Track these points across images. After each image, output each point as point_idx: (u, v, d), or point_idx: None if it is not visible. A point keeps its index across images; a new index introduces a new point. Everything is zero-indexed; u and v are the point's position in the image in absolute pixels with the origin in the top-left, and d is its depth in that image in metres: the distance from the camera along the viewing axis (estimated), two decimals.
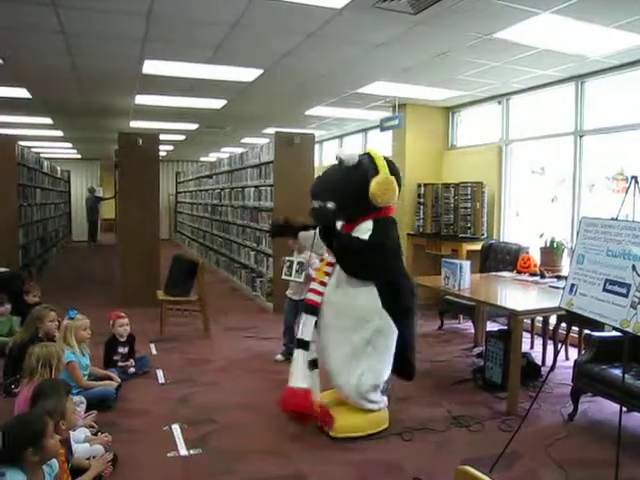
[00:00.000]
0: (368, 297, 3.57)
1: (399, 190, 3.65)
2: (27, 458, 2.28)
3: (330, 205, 3.52)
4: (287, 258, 4.87)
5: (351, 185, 3.57)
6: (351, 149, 3.73)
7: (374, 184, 3.51)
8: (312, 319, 3.66)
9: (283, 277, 4.85)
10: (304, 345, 3.64)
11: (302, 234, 4.61)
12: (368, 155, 3.69)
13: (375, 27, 4.53)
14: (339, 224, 3.73)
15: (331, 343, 3.65)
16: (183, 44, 5.14)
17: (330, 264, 3.72)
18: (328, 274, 3.71)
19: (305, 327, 3.67)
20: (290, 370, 3.65)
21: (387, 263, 3.64)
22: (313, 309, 3.68)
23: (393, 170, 3.66)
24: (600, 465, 3.18)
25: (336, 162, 3.68)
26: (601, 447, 3.44)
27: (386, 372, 3.68)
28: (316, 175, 4.98)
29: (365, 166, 3.61)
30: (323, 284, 3.70)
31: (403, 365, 3.77)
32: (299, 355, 3.64)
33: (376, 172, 3.57)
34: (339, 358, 3.61)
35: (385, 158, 3.71)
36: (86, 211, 16.80)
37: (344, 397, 3.69)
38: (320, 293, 3.68)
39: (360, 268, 3.60)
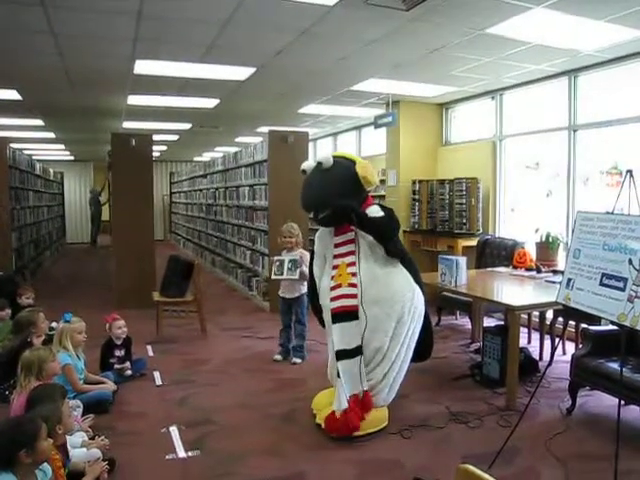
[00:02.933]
0: (403, 277, 3.70)
1: None
2: (20, 460, 2.27)
3: (328, 212, 3.65)
4: (276, 258, 4.87)
5: (342, 182, 3.67)
6: (325, 154, 3.88)
7: (360, 169, 3.67)
8: (355, 323, 3.58)
9: (273, 277, 4.83)
10: (353, 353, 3.57)
11: None
12: (336, 156, 3.85)
13: (367, 24, 4.52)
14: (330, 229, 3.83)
15: (379, 336, 3.60)
16: (175, 43, 5.11)
17: (351, 264, 3.65)
18: (354, 274, 3.62)
19: (350, 334, 3.57)
20: (342, 382, 3.56)
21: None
22: (352, 314, 3.59)
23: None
24: (599, 459, 3.18)
25: (306, 170, 3.83)
26: (600, 441, 3.44)
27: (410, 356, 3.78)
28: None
29: (342, 161, 3.77)
30: (353, 285, 3.60)
31: (426, 344, 3.95)
32: (349, 365, 3.57)
33: (353, 163, 3.74)
34: (392, 349, 3.63)
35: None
36: (90, 213, 16.80)
37: (375, 391, 3.65)
38: (353, 296, 3.58)
39: (399, 244, 3.78)
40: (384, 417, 3.67)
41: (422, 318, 3.79)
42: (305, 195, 3.83)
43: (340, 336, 3.60)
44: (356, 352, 3.57)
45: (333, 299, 3.66)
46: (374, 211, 3.74)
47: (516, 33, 4.69)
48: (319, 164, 3.72)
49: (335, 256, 3.77)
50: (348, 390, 3.56)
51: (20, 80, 6.55)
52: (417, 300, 3.71)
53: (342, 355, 3.59)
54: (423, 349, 3.96)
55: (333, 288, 3.68)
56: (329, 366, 3.94)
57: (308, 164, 3.86)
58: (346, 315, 3.60)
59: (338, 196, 3.61)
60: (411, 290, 3.68)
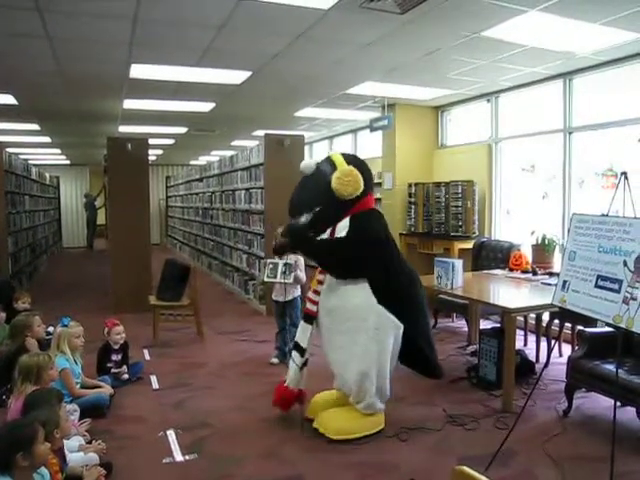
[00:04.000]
0: (362, 295, 3.53)
1: (366, 177, 3.65)
2: (17, 463, 2.26)
3: (303, 219, 3.64)
4: (270, 260, 4.85)
5: (316, 191, 3.64)
6: (308, 160, 3.87)
7: (334, 179, 3.53)
8: (308, 327, 3.78)
9: (265, 279, 4.81)
10: (299, 350, 3.79)
11: None
12: (326, 158, 3.77)
13: (362, 27, 4.53)
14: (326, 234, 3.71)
15: (335, 347, 3.66)
16: (170, 47, 5.11)
17: (322, 271, 3.76)
18: (321, 282, 3.74)
19: (302, 334, 3.82)
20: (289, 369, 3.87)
21: (372, 255, 3.55)
22: (310, 318, 3.78)
23: (352, 162, 3.66)
24: (596, 460, 3.19)
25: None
26: (596, 442, 3.45)
27: (388, 371, 3.62)
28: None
29: (322, 168, 3.68)
30: (317, 292, 3.75)
31: (424, 363, 3.80)
32: (295, 357, 3.82)
33: (334, 170, 3.59)
34: (346, 361, 3.60)
35: (344, 154, 3.75)
36: (86, 217, 16.79)
37: (350, 400, 3.67)
38: (315, 302, 3.75)
39: (341, 267, 3.62)
40: (380, 421, 3.68)
41: (391, 338, 3.55)
42: (290, 199, 3.85)
43: (299, 331, 3.86)
44: (303, 352, 3.79)
45: (306, 298, 3.90)
46: (340, 229, 3.59)
47: (511, 36, 4.70)
48: (301, 171, 3.77)
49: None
50: (288, 378, 3.83)
51: (16, 84, 6.55)
52: (378, 321, 3.50)
53: (295, 347, 3.86)
54: (429, 369, 3.88)
55: (309, 288, 3.91)
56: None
57: (303, 165, 3.80)
58: (306, 317, 3.82)
59: (308, 206, 3.65)
60: (367, 311, 3.50)
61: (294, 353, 3.83)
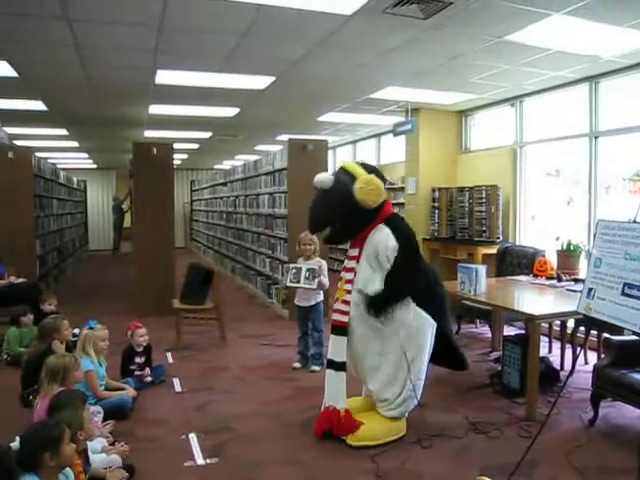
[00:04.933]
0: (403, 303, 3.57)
1: (384, 184, 3.64)
2: (44, 463, 2.31)
3: (326, 232, 3.62)
4: (293, 265, 4.84)
5: (339, 203, 3.55)
6: (324, 173, 3.74)
7: (357, 190, 3.47)
8: (343, 340, 3.64)
9: (288, 284, 4.79)
10: (338, 366, 3.63)
11: None
12: (341, 169, 3.69)
13: (386, 32, 4.53)
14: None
15: (373, 353, 3.62)
16: (194, 54, 5.18)
17: (349, 281, 3.68)
18: (349, 292, 3.66)
19: (336, 348, 3.66)
20: (325, 389, 3.69)
21: (420, 262, 3.66)
22: (342, 330, 3.65)
23: (369, 170, 3.64)
24: (621, 472, 3.12)
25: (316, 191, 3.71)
26: (622, 453, 3.38)
27: (424, 372, 3.66)
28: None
29: (342, 180, 3.59)
30: (346, 302, 3.64)
31: (453, 355, 3.86)
32: (331, 375, 3.65)
33: (354, 180, 3.54)
34: (383, 366, 3.60)
35: (359, 163, 3.72)
36: (113, 220, 17.03)
37: (379, 406, 3.67)
38: (346, 312, 3.63)
39: (418, 277, 3.60)
40: (402, 427, 3.66)
41: (428, 338, 3.59)
42: (308, 216, 3.77)
43: (332, 346, 3.70)
44: (341, 367, 3.63)
45: (332, 310, 3.76)
46: (381, 238, 3.55)
47: (535, 40, 4.67)
48: (317, 187, 3.64)
49: (344, 267, 3.80)
50: (327, 399, 3.66)
51: (45, 91, 6.71)
52: (416, 321, 3.54)
53: (329, 364, 3.70)
54: (454, 361, 3.97)
55: (335, 300, 3.77)
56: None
57: (316, 178, 3.67)
58: (338, 329, 3.67)
59: (331, 220, 3.59)
60: (404, 312, 3.53)
61: (330, 372, 3.65)
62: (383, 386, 3.62)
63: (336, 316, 3.69)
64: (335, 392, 3.63)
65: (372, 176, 3.56)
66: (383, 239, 3.55)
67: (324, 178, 3.64)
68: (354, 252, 3.69)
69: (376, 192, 3.52)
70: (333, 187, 3.59)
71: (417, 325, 3.54)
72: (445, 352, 3.80)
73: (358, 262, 3.65)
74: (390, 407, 3.63)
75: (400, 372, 3.57)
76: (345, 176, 3.62)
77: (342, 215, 3.57)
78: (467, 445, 3.55)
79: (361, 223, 3.61)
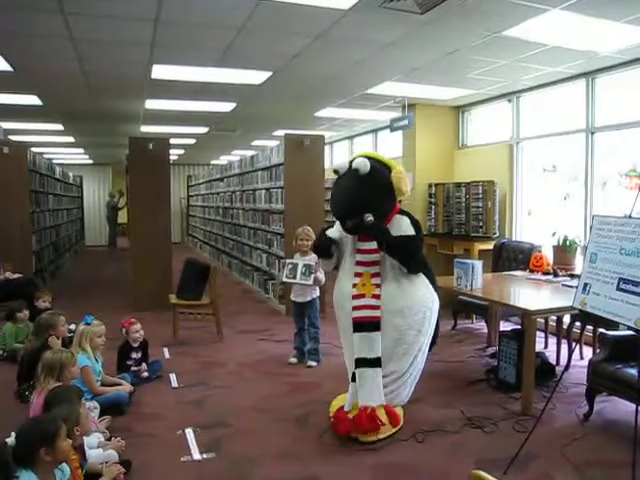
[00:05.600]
0: (425, 287, 3.69)
1: None
2: (40, 458, 2.31)
3: (369, 217, 3.49)
4: (289, 260, 4.84)
5: (379, 190, 3.57)
6: (361, 159, 3.63)
7: (396, 179, 3.55)
8: (377, 335, 3.60)
9: (284, 279, 4.79)
10: (372, 362, 3.60)
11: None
12: (366, 157, 3.67)
13: (383, 27, 4.52)
14: None
15: (403, 342, 3.63)
16: (191, 48, 5.16)
17: (375, 275, 3.66)
18: (378, 285, 3.64)
19: (369, 345, 3.60)
20: (358, 386, 3.62)
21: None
22: (376, 324, 3.61)
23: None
24: (616, 466, 3.14)
25: (338, 171, 3.70)
26: (617, 448, 3.39)
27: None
28: (326, 179, 4.90)
29: (378, 168, 3.61)
30: (377, 297, 3.62)
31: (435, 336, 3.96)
32: (369, 373, 3.60)
33: (387, 168, 3.63)
34: (409, 356, 3.66)
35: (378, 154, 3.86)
36: (106, 216, 16.99)
37: (394, 399, 3.70)
38: (377, 307, 3.61)
39: (421, 262, 3.72)
40: (400, 418, 3.68)
41: (435, 319, 3.82)
42: (337, 201, 3.69)
43: (361, 345, 3.62)
44: (376, 362, 3.60)
45: (356, 308, 3.65)
46: (404, 226, 3.66)
47: (533, 35, 4.66)
48: (356, 170, 3.53)
49: (358, 262, 3.71)
50: (361, 398, 3.57)
51: (40, 86, 6.67)
52: (435, 307, 3.75)
53: (362, 363, 3.62)
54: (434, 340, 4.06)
55: (356, 297, 3.66)
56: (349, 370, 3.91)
57: (342, 165, 3.69)
58: (369, 325, 3.61)
59: (370, 206, 3.51)
60: (432, 299, 3.71)
61: (367, 370, 3.59)
62: (400, 369, 3.68)
63: (366, 312, 3.61)
64: (371, 390, 3.58)
65: (401, 167, 3.69)
66: (404, 229, 3.66)
67: (362, 161, 3.56)
68: (371, 245, 3.65)
69: (407, 183, 3.64)
70: (371, 173, 3.55)
71: (435, 309, 3.75)
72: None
73: (380, 253, 3.65)
74: (395, 392, 3.68)
75: (419, 356, 3.70)
76: (379, 165, 3.64)
77: (380, 203, 3.59)
78: (463, 440, 3.56)
79: (387, 213, 3.66)
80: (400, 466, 3.23)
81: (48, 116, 8.70)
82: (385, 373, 3.65)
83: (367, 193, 3.55)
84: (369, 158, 3.65)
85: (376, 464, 3.25)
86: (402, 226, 3.67)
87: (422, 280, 3.68)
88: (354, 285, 3.69)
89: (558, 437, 3.55)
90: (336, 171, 3.72)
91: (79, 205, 16.36)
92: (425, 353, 3.80)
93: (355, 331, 3.65)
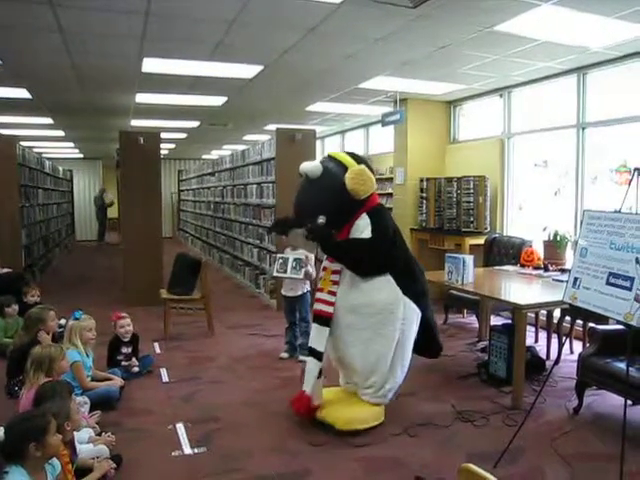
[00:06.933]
0: (388, 289, 3.58)
1: (373, 174, 3.67)
2: (30, 453, 2.30)
3: (321, 220, 3.51)
4: (280, 255, 4.84)
5: (329, 193, 3.54)
6: (312, 162, 3.67)
7: (348, 180, 3.49)
8: (325, 330, 3.64)
9: (275, 274, 4.79)
10: (317, 355, 3.64)
11: (293, 231, 4.38)
12: (329, 158, 3.69)
13: (374, 21, 4.51)
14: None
15: (357, 342, 3.63)
16: (182, 41, 5.12)
17: (336, 272, 3.69)
18: (336, 282, 3.67)
19: (318, 338, 3.66)
20: (305, 375, 3.69)
21: (397, 250, 3.66)
22: (325, 320, 3.65)
23: (359, 160, 3.66)
24: (605, 459, 3.17)
25: (302, 178, 3.66)
26: (606, 441, 3.42)
27: (409, 359, 3.73)
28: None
29: (332, 169, 3.59)
30: (332, 293, 3.66)
31: (430, 343, 3.88)
32: (312, 364, 3.66)
33: (345, 169, 3.56)
34: (367, 354, 3.61)
35: (347, 153, 3.73)
36: (95, 211, 16.87)
37: (361, 392, 3.71)
38: (331, 303, 3.64)
39: (374, 266, 3.60)
40: (382, 413, 3.70)
41: (414, 326, 3.66)
42: (294, 204, 3.74)
43: (314, 335, 3.70)
44: (319, 356, 3.64)
45: (315, 300, 3.76)
46: (361, 228, 3.59)
47: (524, 30, 4.66)
48: (306, 176, 3.58)
49: (327, 257, 3.79)
50: (308, 386, 3.65)
51: (30, 79, 6.60)
52: (402, 313, 3.58)
53: (311, 352, 3.69)
54: (430, 349, 3.98)
55: (317, 290, 3.78)
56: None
57: (304, 167, 3.65)
58: (321, 319, 3.68)
59: (320, 209, 3.51)
60: (395, 302, 3.57)
61: (311, 360, 3.66)
62: (368, 373, 3.65)
63: (321, 306, 3.69)
64: (308, 380, 3.66)
65: (363, 167, 3.58)
66: (360, 229, 3.59)
67: (312, 166, 3.59)
68: None
69: (368, 183, 3.56)
70: (323, 176, 3.55)
71: (405, 314, 3.58)
72: (425, 342, 3.81)
73: None
74: (374, 394, 3.67)
75: (386, 360, 3.60)
76: (334, 165, 3.61)
77: (331, 205, 3.54)
78: (453, 433, 3.58)
79: (349, 214, 3.61)
80: (391, 460, 3.24)
81: (38, 110, 8.62)
82: (354, 369, 3.72)
83: (318, 196, 3.56)
84: (331, 159, 3.66)
85: (367, 457, 3.26)
86: (359, 228, 3.61)
87: (386, 282, 3.58)
88: (320, 278, 3.81)
89: (548, 431, 3.58)
90: (306, 175, 3.66)
91: (69, 199, 16.26)
92: (403, 353, 3.66)
93: (313, 321, 3.77)
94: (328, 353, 3.80)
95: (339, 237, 3.68)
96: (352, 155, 3.71)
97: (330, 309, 3.64)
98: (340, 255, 3.66)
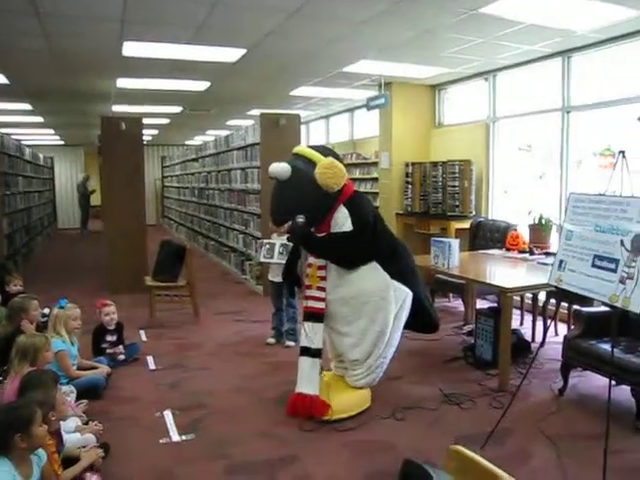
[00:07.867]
0: (376, 276, 3.58)
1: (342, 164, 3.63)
2: (15, 444, 2.27)
3: (300, 219, 3.51)
4: (266, 241, 4.81)
5: (302, 192, 3.51)
6: (279, 163, 3.55)
7: (318, 176, 3.45)
8: (319, 326, 3.64)
9: (262, 260, 4.76)
10: (314, 353, 3.62)
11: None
12: (296, 155, 3.66)
13: (358, 4, 4.45)
14: None
15: (353, 332, 3.64)
16: (163, 24, 5.03)
17: (322, 267, 3.68)
18: (323, 278, 3.67)
19: (313, 335, 3.63)
20: (298, 375, 3.65)
21: (379, 236, 3.65)
22: (318, 316, 3.65)
23: (326, 153, 3.65)
24: (590, 438, 3.21)
25: (273, 181, 3.62)
26: (591, 420, 3.47)
27: (398, 339, 3.75)
28: None
29: (301, 166, 3.55)
30: (321, 289, 3.66)
31: (426, 319, 3.88)
32: (307, 363, 3.63)
33: (313, 165, 3.52)
34: (368, 345, 3.62)
35: (312, 147, 3.72)
36: (78, 198, 16.64)
37: (349, 375, 3.72)
38: (321, 299, 3.65)
39: (358, 257, 3.60)
40: (369, 397, 3.72)
41: (405, 309, 3.67)
42: (270, 208, 3.69)
43: (307, 334, 3.67)
44: (317, 353, 3.63)
45: (305, 298, 3.74)
46: (341, 221, 3.58)
47: (510, 13, 4.63)
48: (276, 178, 3.54)
49: (311, 254, 3.79)
50: (299, 385, 3.62)
51: (6, 63, 6.45)
52: (392, 295, 3.59)
53: (305, 352, 3.65)
54: (425, 324, 3.99)
55: (305, 287, 3.77)
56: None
57: (272, 170, 3.54)
58: (314, 316, 3.66)
59: (296, 208, 3.51)
60: (384, 287, 3.57)
61: (304, 359, 3.62)
62: (363, 361, 3.66)
63: (312, 303, 3.67)
64: (308, 380, 3.61)
65: (331, 159, 3.55)
66: (340, 222, 3.58)
67: (280, 168, 3.52)
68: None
69: (339, 174, 3.51)
70: (292, 176, 3.51)
71: (398, 300, 3.60)
72: (419, 317, 3.82)
73: None
74: (360, 377, 3.68)
75: (381, 345, 3.62)
76: (303, 163, 3.58)
77: (306, 203, 3.53)
78: (441, 416, 3.61)
79: (325, 209, 3.59)
80: (379, 443, 3.25)
81: (16, 95, 8.45)
82: (349, 358, 3.71)
83: (292, 197, 3.54)
84: (298, 156, 3.63)
85: (355, 442, 3.27)
86: (338, 221, 3.59)
87: (372, 270, 3.59)
88: (306, 275, 3.78)
89: (534, 412, 3.62)
90: (275, 177, 3.59)
91: (51, 187, 16.04)
92: (392, 339, 3.68)
93: (304, 320, 3.72)
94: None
95: (321, 232, 3.66)
96: (318, 148, 3.70)
97: (321, 305, 3.65)
98: (323, 252, 3.67)
